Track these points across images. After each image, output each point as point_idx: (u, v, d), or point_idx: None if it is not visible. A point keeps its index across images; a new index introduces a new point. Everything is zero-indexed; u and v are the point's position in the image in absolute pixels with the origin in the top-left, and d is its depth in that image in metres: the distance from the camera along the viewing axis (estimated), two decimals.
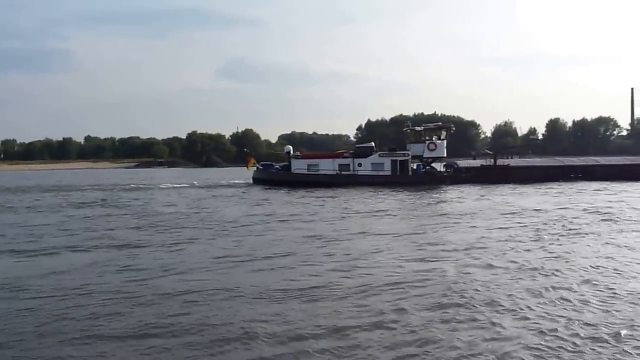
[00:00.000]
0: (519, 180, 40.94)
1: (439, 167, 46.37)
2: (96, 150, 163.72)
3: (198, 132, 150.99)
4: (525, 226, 18.14)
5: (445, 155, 45.87)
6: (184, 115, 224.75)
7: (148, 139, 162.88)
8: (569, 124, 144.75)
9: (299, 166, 44.83)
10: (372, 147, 46.91)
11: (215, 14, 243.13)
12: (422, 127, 47.04)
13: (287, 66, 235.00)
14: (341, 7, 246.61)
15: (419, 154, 44.59)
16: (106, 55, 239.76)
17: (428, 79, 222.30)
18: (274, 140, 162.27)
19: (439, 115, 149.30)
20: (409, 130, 47.52)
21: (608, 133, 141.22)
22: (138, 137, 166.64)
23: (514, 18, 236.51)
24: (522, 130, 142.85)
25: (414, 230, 17.81)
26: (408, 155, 44.06)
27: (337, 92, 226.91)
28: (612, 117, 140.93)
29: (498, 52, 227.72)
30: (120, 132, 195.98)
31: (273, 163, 49.12)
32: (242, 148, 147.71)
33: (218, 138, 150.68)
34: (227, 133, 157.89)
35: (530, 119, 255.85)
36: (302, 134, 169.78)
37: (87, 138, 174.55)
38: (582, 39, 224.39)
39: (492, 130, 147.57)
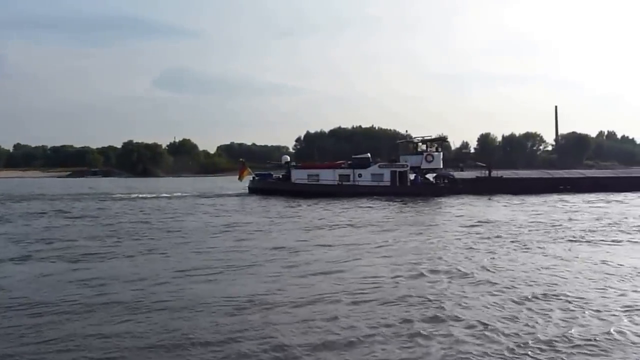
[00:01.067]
0: (511, 192, 42.20)
1: (429, 177, 47.19)
2: (25, 158, 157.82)
3: (134, 141, 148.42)
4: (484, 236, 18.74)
5: (441, 166, 46.53)
6: (120, 124, 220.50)
7: (82, 147, 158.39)
8: (499, 138, 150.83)
9: (299, 176, 44.80)
10: (369, 157, 47.09)
11: (157, 24, 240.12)
12: (420, 139, 47.49)
13: (227, 77, 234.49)
14: (278, 21, 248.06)
15: (417, 165, 45.04)
16: (42, 62, 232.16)
17: (364, 93, 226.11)
18: (212, 150, 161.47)
19: (377, 128, 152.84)
20: (405, 142, 48.24)
21: (535, 148, 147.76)
22: (71, 146, 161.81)
23: (449, 36, 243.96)
24: (455, 144, 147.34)
25: (396, 240, 18.04)
26: (407, 166, 44.60)
27: (277, 104, 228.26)
28: (538, 132, 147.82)
29: (434, 69, 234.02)
30: (53, 141, 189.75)
31: (271, 173, 48.98)
32: (178, 157, 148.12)
33: (155, 148, 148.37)
34: (165, 143, 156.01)
35: (463, 133, 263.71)
36: (241, 144, 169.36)
37: (17, 146, 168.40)
38: (513, 59, 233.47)
39: None
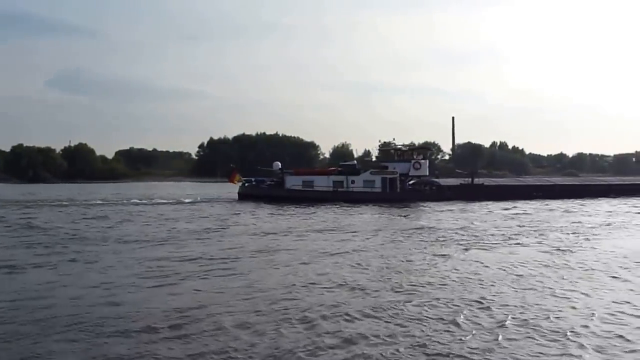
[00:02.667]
0: (492, 198, 44.70)
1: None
2: None
3: (25, 145, 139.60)
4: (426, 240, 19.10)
5: (427, 174, 48.42)
6: (9, 127, 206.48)
7: None
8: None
9: (293, 182, 46.13)
10: (355, 164, 49.38)
11: (54, 21, 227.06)
12: (408, 147, 49.47)
13: (127, 80, 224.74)
14: (181, 24, 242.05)
15: (405, 172, 46.42)
16: None
17: (268, 101, 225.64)
18: (110, 155, 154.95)
19: (280, 135, 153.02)
20: (392, 151, 49.61)
21: (433, 157, 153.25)
22: None
23: (354, 48, 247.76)
24: (357, 152, 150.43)
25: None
26: (397, 173, 45.82)
27: (179, 109, 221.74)
28: (436, 142, 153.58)
29: (340, 77, 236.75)
30: None
31: (264, 179, 49.08)
32: (74, 162, 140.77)
33: (47, 152, 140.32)
34: (59, 147, 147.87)
35: (366, 142, 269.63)
36: (141, 149, 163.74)
37: None
38: (413, 71, 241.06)
39: (331, 151, 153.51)
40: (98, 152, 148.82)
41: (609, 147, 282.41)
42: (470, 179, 50.97)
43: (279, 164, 49.11)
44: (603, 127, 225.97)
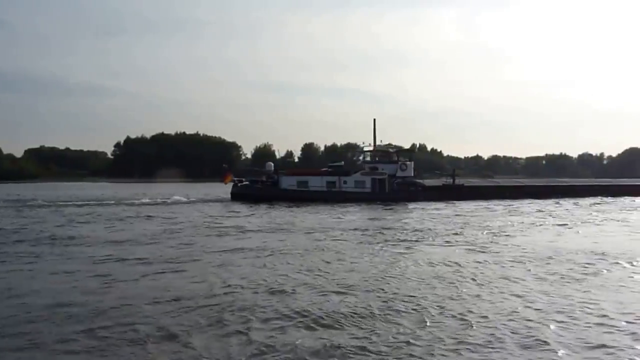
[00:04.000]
0: (471, 198, 47.75)
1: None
2: None
3: None
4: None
5: (412, 174, 49.84)
6: None
7: None
8: (322, 148, 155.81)
9: (289, 182, 46.92)
10: (342, 165, 51.75)
11: None
12: (394, 149, 51.38)
13: (34, 75, 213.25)
14: (92, 19, 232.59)
15: (392, 173, 47.96)
16: None
17: (192, 99, 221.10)
18: (19, 154, 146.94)
19: (202, 135, 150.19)
20: (379, 152, 50.85)
21: (355, 158, 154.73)
22: None
23: (275, 45, 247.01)
24: (280, 152, 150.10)
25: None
26: (386, 174, 47.32)
27: (92, 106, 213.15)
28: (358, 143, 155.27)
29: (263, 78, 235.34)
30: None
31: (256, 179, 49.29)
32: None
33: None
34: None
35: (288, 142, 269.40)
36: (53, 148, 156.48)
37: None
38: (334, 72, 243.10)
39: (253, 152, 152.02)
40: (5, 151, 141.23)
41: (521, 150, 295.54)
42: (451, 180, 54.18)
43: (272, 164, 50.30)
44: (517, 131, 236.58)
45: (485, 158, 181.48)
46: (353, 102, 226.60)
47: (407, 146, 57.46)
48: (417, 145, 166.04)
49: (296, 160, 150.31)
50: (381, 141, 52.26)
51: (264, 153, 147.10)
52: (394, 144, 52.73)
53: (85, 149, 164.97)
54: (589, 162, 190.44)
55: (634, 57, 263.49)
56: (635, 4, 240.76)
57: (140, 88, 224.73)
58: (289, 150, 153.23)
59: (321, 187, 46.55)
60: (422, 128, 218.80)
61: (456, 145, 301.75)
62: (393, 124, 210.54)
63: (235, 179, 47.67)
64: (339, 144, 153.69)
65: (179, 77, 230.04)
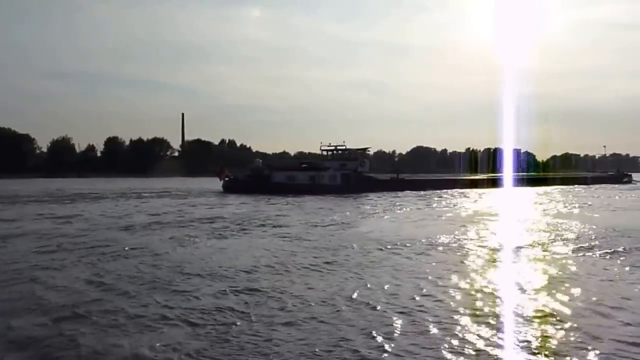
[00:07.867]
0: (411, 188, 59.00)
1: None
2: None
3: None
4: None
5: (368, 170, 62.19)
6: None
7: None
8: (127, 142, 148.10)
9: (279, 177, 57.77)
10: (315, 162, 63.07)
11: None
12: (360, 150, 62.31)
13: None
14: None
15: (355, 169, 59.01)
16: None
17: None
18: None
19: None
20: (345, 151, 61.57)
21: (162, 153, 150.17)
22: None
23: (77, 33, 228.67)
24: (80, 146, 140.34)
25: None
26: (351, 170, 58.36)
27: None
28: (165, 138, 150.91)
29: (59, 67, 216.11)
30: None
31: (246, 175, 59.53)
32: None
33: None
34: None
35: (89, 136, 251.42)
36: None
37: None
38: (141, 64, 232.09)
39: (49, 145, 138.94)
40: None
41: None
42: (396, 175, 67.08)
43: (260, 161, 64.29)
44: (320, 128, 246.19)
45: (292, 154, 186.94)
46: (160, 95, 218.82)
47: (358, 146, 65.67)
48: (227, 141, 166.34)
49: (99, 154, 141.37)
50: (344, 141, 62.10)
51: (61, 146, 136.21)
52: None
53: None
54: (383, 158, 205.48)
55: None
56: None
57: None
58: (91, 144, 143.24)
59: (305, 181, 56.74)
60: (232, 123, 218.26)
61: (265, 141, 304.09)
62: (202, 119, 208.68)
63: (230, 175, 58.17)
64: (145, 139, 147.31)
65: None
